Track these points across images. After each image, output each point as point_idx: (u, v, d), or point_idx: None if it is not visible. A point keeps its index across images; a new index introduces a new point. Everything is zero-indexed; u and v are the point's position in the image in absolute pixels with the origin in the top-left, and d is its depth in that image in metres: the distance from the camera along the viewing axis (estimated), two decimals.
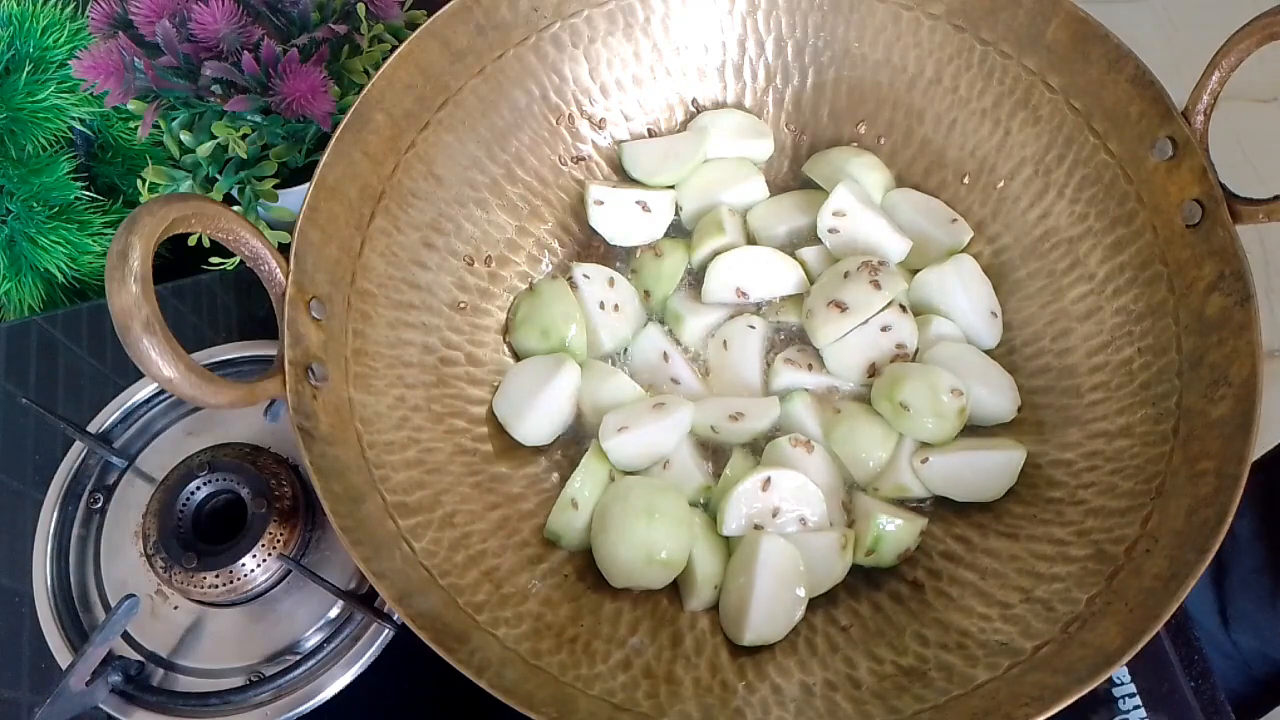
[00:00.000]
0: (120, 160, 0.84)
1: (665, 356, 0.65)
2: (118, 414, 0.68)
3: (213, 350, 0.69)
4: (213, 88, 0.68)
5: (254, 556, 0.59)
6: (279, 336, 0.51)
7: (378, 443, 0.56)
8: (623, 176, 0.71)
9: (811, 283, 0.66)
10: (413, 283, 0.61)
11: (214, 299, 0.75)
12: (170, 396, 0.68)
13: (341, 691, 0.59)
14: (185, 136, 0.72)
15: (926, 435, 0.60)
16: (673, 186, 0.70)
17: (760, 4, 0.69)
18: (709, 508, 0.60)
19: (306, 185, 0.54)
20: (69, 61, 0.73)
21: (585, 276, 0.66)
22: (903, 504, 0.60)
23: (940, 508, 0.60)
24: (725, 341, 0.65)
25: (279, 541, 0.60)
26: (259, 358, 0.69)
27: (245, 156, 0.71)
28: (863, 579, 0.58)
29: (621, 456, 0.60)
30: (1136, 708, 0.60)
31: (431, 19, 0.61)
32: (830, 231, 0.65)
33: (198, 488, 0.61)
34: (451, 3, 0.61)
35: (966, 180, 0.67)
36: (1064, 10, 0.58)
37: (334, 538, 0.55)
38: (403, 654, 0.59)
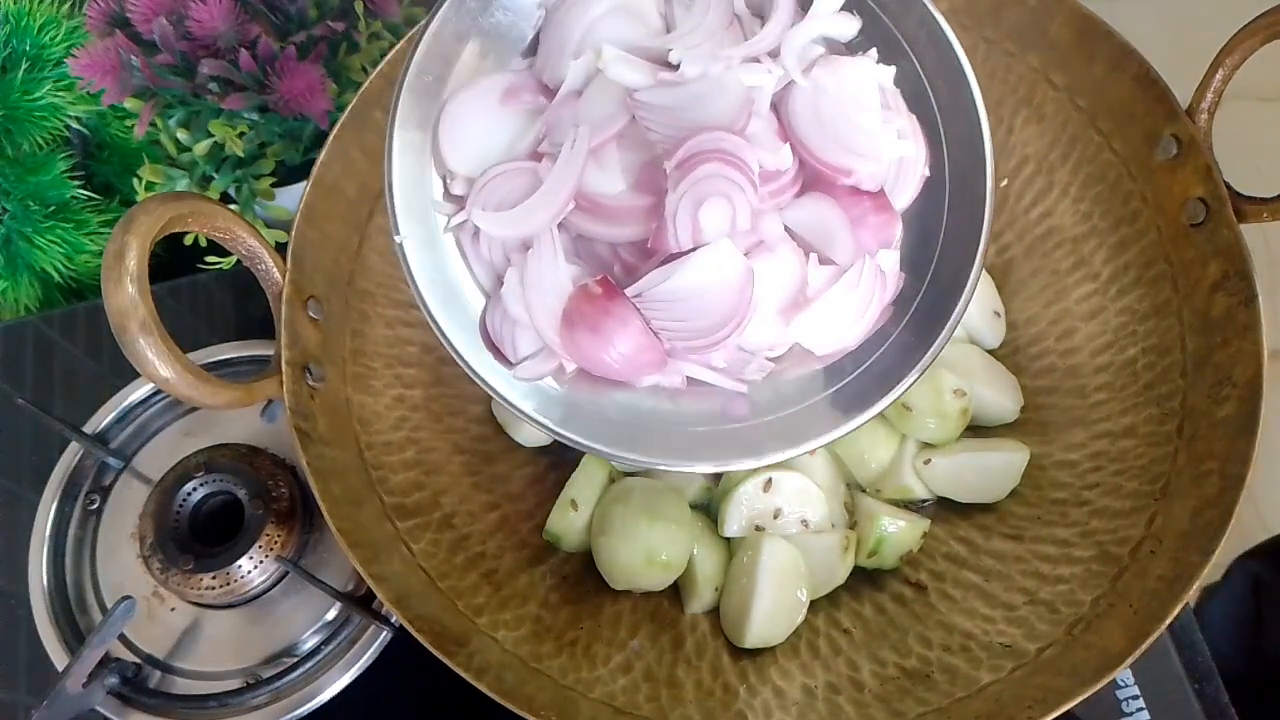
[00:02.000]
0: (117, 159, 0.84)
1: None
2: (114, 414, 0.67)
3: (209, 350, 0.68)
4: (210, 86, 0.67)
5: (251, 558, 0.59)
6: (276, 336, 0.50)
7: (376, 443, 0.55)
8: None
9: None
10: None
11: (211, 299, 0.75)
12: (167, 397, 0.68)
13: (339, 694, 0.58)
14: (182, 135, 0.71)
15: (929, 436, 0.59)
16: None
17: None
18: (710, 509, 0.60)
19: (304, 184, 0.54)
20: (66, 60, 0.72)
21: None
22: (905, 505, 0.60)
23: (943, 509, 0.60)
24: None
25: (276, 543, 0.60)
26: (256, 358, 0.69)
27: (242, 155, 0.71)
28: (865, 580, 0.58)
29: None
30: (1140, 710, 0.60)
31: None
32: None
33: (194, 489, 0.61)
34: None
35: None
36: (1067, 8, 0.57)
37: (332, 539, 0.55)
38: (401, 657, 0.59)
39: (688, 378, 0.44)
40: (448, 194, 0.46)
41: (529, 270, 0.43)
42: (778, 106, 0.44)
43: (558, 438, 0.44)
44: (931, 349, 0.43)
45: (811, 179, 0.44)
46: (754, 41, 0.44)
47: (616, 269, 0.44)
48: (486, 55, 0.46)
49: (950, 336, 0.43)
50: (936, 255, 0.45)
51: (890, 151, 0.44)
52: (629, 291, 0.42)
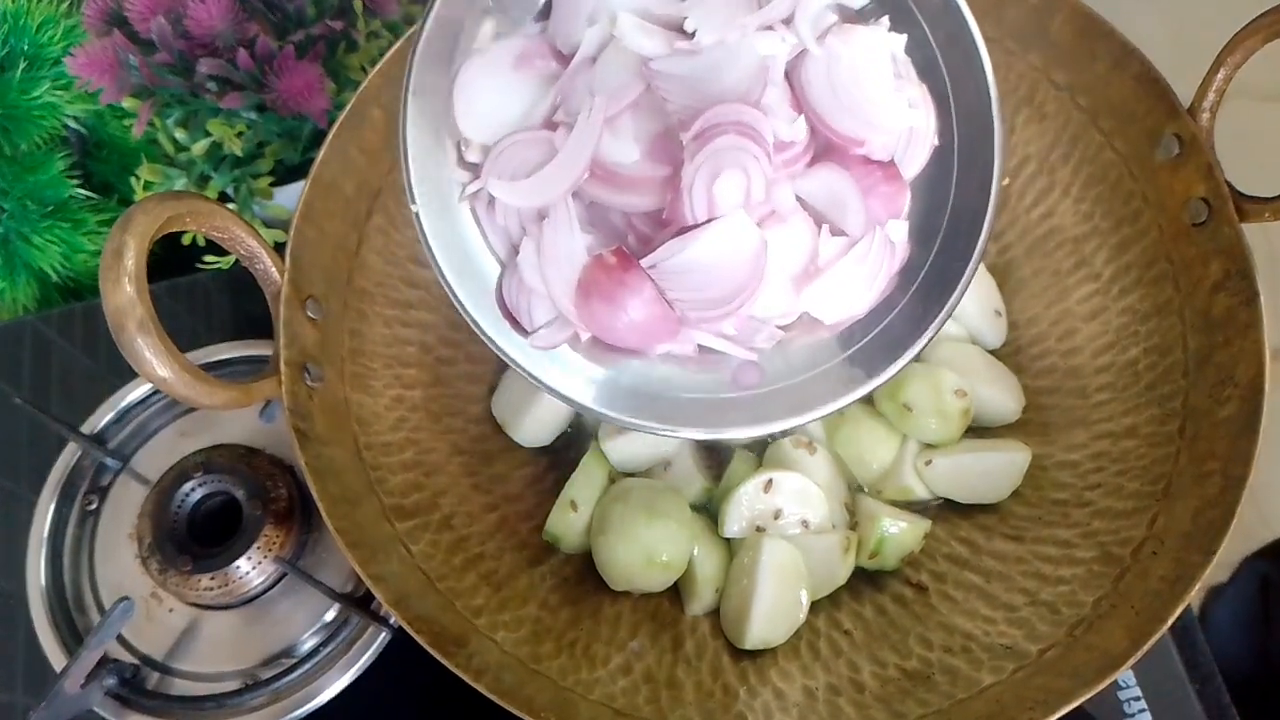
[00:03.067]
0: (115, 158, 0.84)
1: None
2: (112, 414, 0.67)
3: (208, 350, 0.68)
4: (208, 84, 0.67)
5: (249, 559, 0.58)
6: (274, 336, 0.50)
7: (375, 444, 0.55)
8: None
9: None
10: (411, 281, 0.61)
11: (209, 298, 0.74)
12: (165, 397, 0.67)
13: (338, 695, 0.58)
14: (180, 134, 0.71)
15: (930, 436, 0.59)
16: None
17: None
18: (710, 509, 0.60)
19: (302, 183, 0.53)
20: (64, 58, 0.72)
21: None
22: (906, 506, 0.60)
23: (944, 509, 0.60)
24: None
25: (274, 544, 0.59)
26: (254, 358, 0.68)
27: (240, 154, 0.71)
28: (866, 581, 0.58)
29: (621, 457, 0.60)
30: (1142, 711, 0.59)
31: None
32: None
33: (193, 489, 0.60)
34: None
35: None
36: (1069, 6, 0.57)
37: (330, 540, 0.54)
38: (400, 658, 0.59)
39: (699, 345, 0.44)
40: (462, 161, 0.45)
41: (545, 240, 0.43)
42: (790, 75, 0.44)
43: (571, 404, 0.44)
44: (938, 317, 0.44)
45: (823, 148, 0.44)
46: (769, 9, 0.43)
47: (630, 238, 0.44)
48: (499, 19, 0.46)
49: (956, 306, 0.44)
50: (944, 224, 0.45)
51: (901, 121, 0.44)
52: (644, 263, 0.42)
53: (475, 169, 0.45)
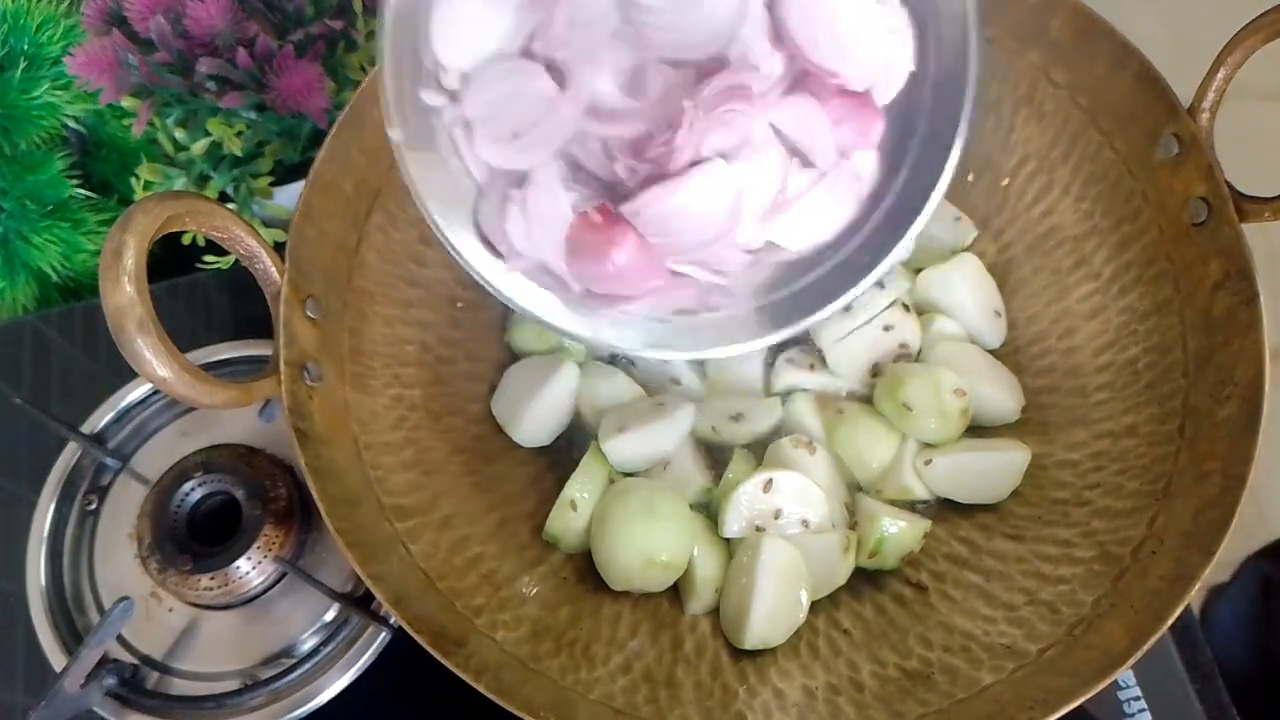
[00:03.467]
0: (114, 157, 0.84)
1: None
2: (112, 414, 0.67)
3: (207, 350, 0.68)
4: (207, 84, 0.67)
5: (249, 559, 0.59)
6: (274, 336, 0.50)
7: (374, 443, 0.55)
8: None
9: None
10: (411, 280, 0.61)
11: (209, 298, 0.74)
12: (165, 397, 0.68)
13: (338, 695, 0.58)
14: (180, 133, 0.71)
15: (929, 436, 0.59)
16: None
17: None
18: (710, 509, 0.60)
19: (302, 182, 0.53)
20: (63, 58, 0.72)
21: None
22: (906, 506, 0.60)
23: (944, 509, 0.60)
24: None
25: (274, 544, 0.59)
26: (254, 358, 0.68)
27: (240, 154, 0.71)
28: (865, 581, 0.58)
29: (621, 457, 0.60)
30: (1141, 710, 0.59)
31: None
32: None
33: (192, 489, 0.60)
34: None
35: (970, 178, 0.66)
36: (1069, 6, 0.57)
37: (330, 540, 0.54)
38: (400, 657, 0.59)
39: (671, 272, 0.45)
40: (440, 86, 0.44)
41: (530, 204, 0.44)
42: (770, 2, 0.43)
43: (557, 332, 0.46)
44: (903, 240, 0.44)
45: (799, 75, 0.44)
46: None
47: (618, 167, 0.44)
48: None
49: (920, 228, 0.44)
50: (914, 150, 0.45)
51: (880, 51, 0.43)
52: (624, 210, 0.43)
53: (453, 95, 0.44)
